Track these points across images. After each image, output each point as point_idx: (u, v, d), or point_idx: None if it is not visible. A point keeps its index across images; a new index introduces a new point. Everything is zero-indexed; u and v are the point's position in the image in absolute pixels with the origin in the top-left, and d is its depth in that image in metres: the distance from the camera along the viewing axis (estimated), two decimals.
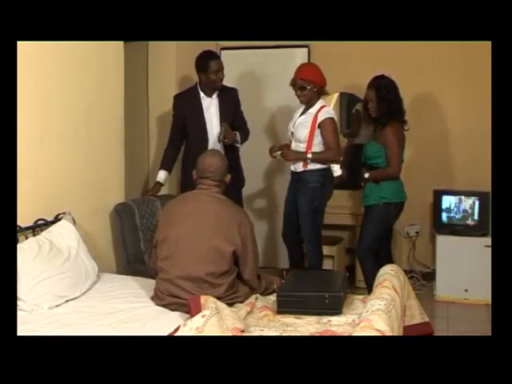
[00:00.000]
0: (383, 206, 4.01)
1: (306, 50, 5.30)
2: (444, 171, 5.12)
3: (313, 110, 4.14)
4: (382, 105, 4.01)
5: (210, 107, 4.26)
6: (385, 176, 4.04)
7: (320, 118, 4.08)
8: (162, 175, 4.25)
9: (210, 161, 3.03)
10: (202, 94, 4.26)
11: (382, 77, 4.06)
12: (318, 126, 4.09)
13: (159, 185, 4.24)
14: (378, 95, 4.02)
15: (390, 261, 4.06)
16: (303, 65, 4.42)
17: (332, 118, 4.11)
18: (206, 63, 4.17)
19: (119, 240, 3.83)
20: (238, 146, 4.33)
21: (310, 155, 4.09)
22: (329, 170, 4.18)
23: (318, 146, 4.12)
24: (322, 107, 4.13)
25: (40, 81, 3.24)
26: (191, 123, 4.24)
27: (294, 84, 4.17)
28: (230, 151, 4.17)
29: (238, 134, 4.25)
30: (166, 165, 4.28)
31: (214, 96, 4.28)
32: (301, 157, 4.13)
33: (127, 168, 4.09)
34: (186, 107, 4.25)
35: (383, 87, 4.01)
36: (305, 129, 4.13)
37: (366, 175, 4.10)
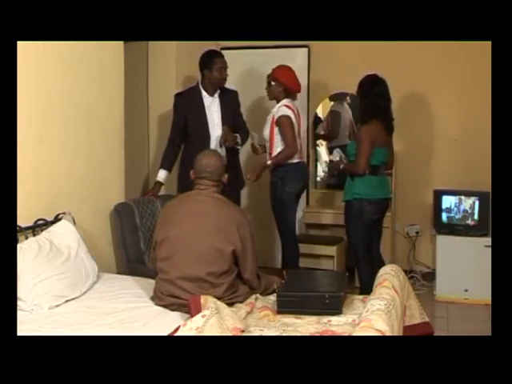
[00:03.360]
0: (356, 202, 3.95)
1: (305, 49, 5.31)
2: (444, 171, 5.12)
3: (274, 109, 4.31)
4: (363, 102, 3.96)
5: (212, 106, 4.26)
6: (349, 170, 4.01)
7: (276, 117, 4.23)
8: (162, 175, 4.23)
9: (208, 161, 3.02)
10: (204, 93, 4.26)
11: (370, 75, 3.97)
12: (277, 124, 4.22)
13: (159, 184, 4.23)
14: (360, 92, 3.99)
15: (381, 262, 3.99)
16: (280, 65, 4.43)
17: (286, 116, 4.21)
18: (211, 60, 4.19)
19: (119, 240, 3.83)
20: (239, 148, 4.33)
21: (269, 162, 4.24)
22: (293, 165, 4.25)
23: (280, 143, 4.23)
24: (281, 106, 4.24)
25: (40, 81, 3.24)
26: (193, 121, 4.24)
27: (267, 78, 4.37)
28: (230, 152, 4.19)
29: (238, 136, 4.26)
30: (167, 164, 4.26)
31: (216, 95, 4.28)
32: (262, 167, 4.27)
33: (127, 168, 4.09)
34: (188, 105, 4.24)
35: (366, 84, 3.96)
36: (267, 127, 4.30)
37: (337, 158, 4.18)
